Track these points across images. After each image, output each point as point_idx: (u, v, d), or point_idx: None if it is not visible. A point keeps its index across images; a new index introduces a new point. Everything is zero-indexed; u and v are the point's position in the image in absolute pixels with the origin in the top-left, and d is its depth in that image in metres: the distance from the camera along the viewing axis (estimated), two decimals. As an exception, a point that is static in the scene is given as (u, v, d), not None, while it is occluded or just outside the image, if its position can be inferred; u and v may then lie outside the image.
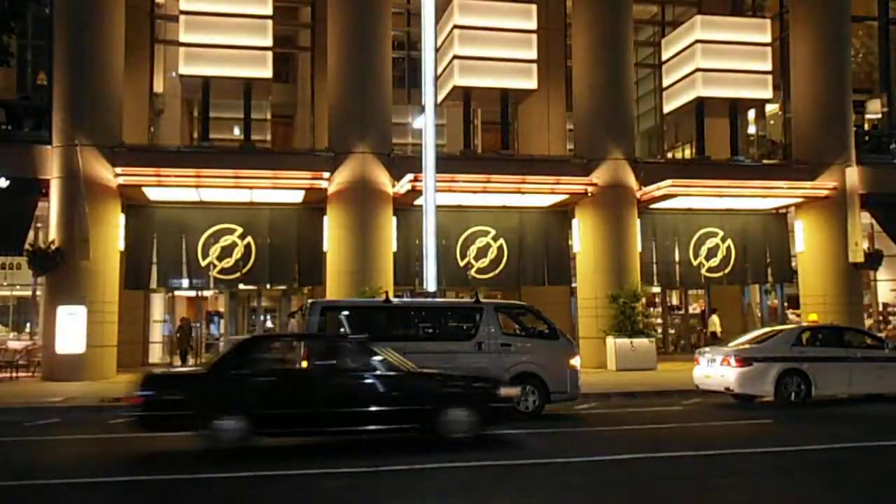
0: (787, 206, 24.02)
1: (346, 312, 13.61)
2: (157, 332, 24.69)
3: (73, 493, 8.04)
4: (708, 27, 23.21)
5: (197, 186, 19.78)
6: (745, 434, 11.79)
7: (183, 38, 20.55)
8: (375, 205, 20.79)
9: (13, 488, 8.14)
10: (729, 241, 23.69)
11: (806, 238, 23.62)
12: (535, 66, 22.05)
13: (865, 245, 23.29)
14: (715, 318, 24.63)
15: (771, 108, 27.20)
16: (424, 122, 17.41)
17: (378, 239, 20.68)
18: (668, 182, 21.23)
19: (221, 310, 27.01)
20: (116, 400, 15.47)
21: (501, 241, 22.39)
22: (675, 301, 27.91)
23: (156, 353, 24.15)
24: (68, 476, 8.68)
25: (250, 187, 20.04)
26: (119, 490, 8.13)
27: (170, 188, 19.89)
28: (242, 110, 21.92)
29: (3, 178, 19.15)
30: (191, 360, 24.20)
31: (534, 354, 13.38)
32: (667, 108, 24.86)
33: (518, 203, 22.06)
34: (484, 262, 22.24)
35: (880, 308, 26.14)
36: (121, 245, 20.50)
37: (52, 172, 19.86)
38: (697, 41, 23.03)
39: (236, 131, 24.84)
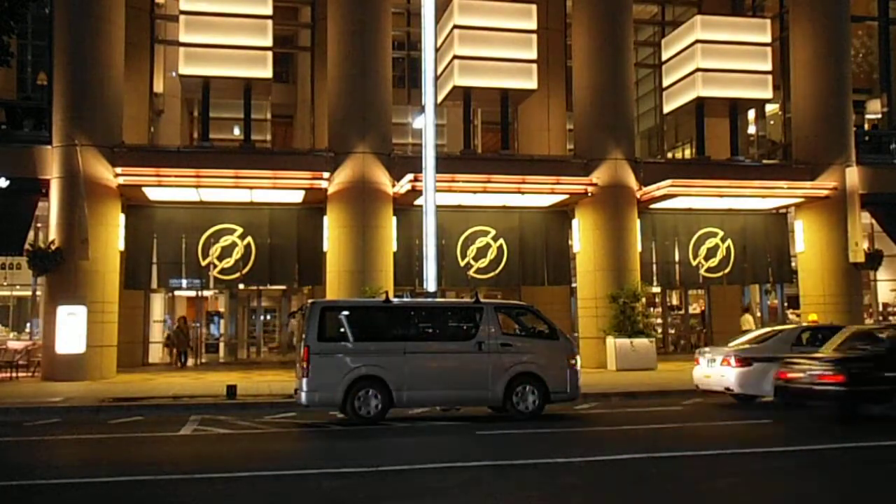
0: (787, 206, 24.02)
1: (346, 312, 13.60)
2: (157, 332, 24.72)
3: (73, 493, 8.04)
4: (708, 27, 23.21)
5: (197, 186, 19.77)
6: (746, 434, 11.79)
7: (183, 38, 20.53)
8: (375, 205, 20.79)
9: (13, 488, 8.14)
10: (729, 241, 23.69)
11: (806, 238, 23.62)
12: (535, 66, 22.05)
13: (865, 245, 23.29)
14: (749, 317, 24.51)
15: (771, 108, 27.20)
16: (424, 122, 17.40)
17: (378, 239, 20.69)
18: (668, 182, 21.22)
19: (221, 310, 27.06)
20: (116, 400, 15.51)
21: (501, 241, 22.39)
22: (675, 301, 27.94)
23: (156, 353, 24.18)
24: (68, 476, 8.68)
25: (250, 187, 20.04)
26: (120, 490, 8.13)
27: (170, 188, 19.88)
28: (242, 110, 21.92)
29: (3, 178, 19.14)
30: (190, 361, 24.22)
31: (534, 354, 13.38)
32: (667, 108, 24.85)
33: (518, 203, 22.06)
34: (484, 262, 22.24)
35: (880, 308, 26.14)
36: (121, 245, 20.50)
37: (52, 172, 19.87)
38: (697, 41, 23.03)
39: (236, 131, 24.87)
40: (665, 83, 24.86)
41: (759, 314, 26.69)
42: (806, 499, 7.72)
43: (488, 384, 13.05)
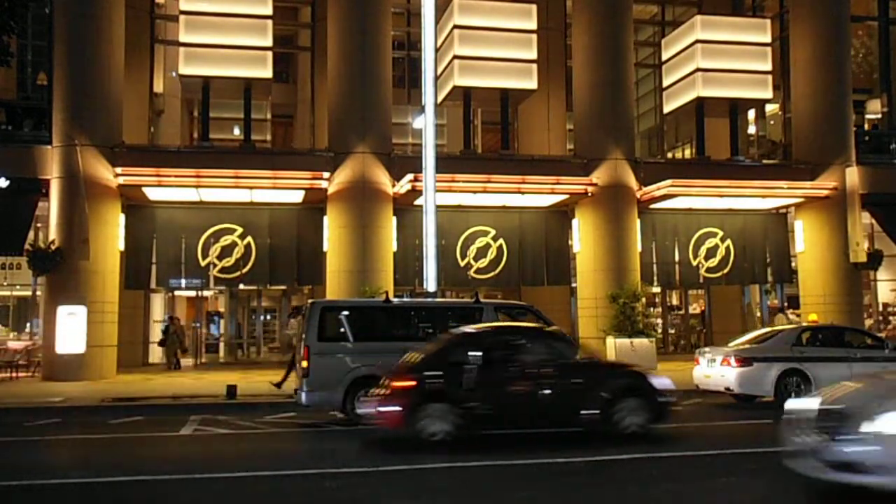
0: (787, 206, 24.02)
1: (346, 312, 13.61)
2: (157, 332, 24.69)
3: (73, 493, 8.04)
4: (708, 27, 23.20)
5: (197, 186, 19.77)
6: (745, 434, 11.78)
7: (183, 38, 20.53)
8: (375, 205, 20.79)
9: (14, 488, 8.15)
10: (728, 241, 23.67)
11: (806, 238, 23.61)
12: (535, 66, 22.03)
13: (866, 245, 23.28)
14: (782, 317, 24.38)
15: (771, 108, 27.19)
16: (424, 122, 17.40)
17: (378, 239, 20.68)
18: (668, 182, 21.22)
19: (221, 310, 27.04)
20: (116, 400, 15.51)
21: (501, 241, 22.38)
22: (675, 301, 27.94)
23: (156, 353, 24.15)
24: (68, 476, 8.68)
25: (250, 187, 20.04)
26: (120, 490, 8.14)
27: (170, 188, 19.88)
28: (242, 110, 21.92)
29: (3, 178, 19.15)
30: (188, 362, 24.18)
31: (534, 354, 13.35)
32: (667, 108, 24.84)
33: (518, 203, 22.05)
34: (484, 262, 22.22)
35: (880, 308, 26.13)
36: (121, 245, 20.50)
37: (52, 172, 19.86)
38: (697, 41, 23.01)
39: (236, 131, 24.86)
40: (665, 83, 24.85)
41: (759, 314, 26.68)
42: (804, 498, 7.72)
43: (488, 384, 13.03)
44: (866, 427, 6.70)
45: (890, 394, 7.23)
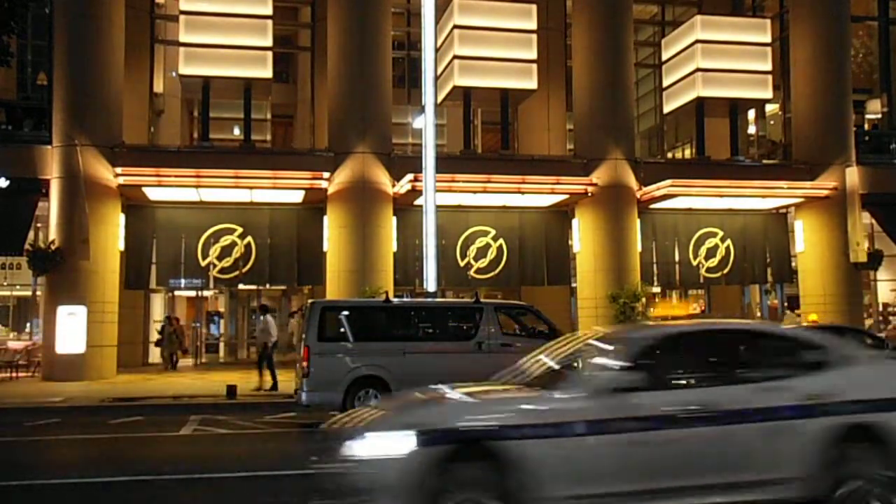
0: (787, 206, 24.01)
1: (346, 312, 13.61)
2: (157, 333, 24.70)
3: (73, 493, 8.04)
4: (708, 27, 23.19)
5: (197, 186, 19.77)
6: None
7: (183, 38, 20.52)
8: (375, 205, 20.78)
9: (14, 488, 8.15)
10: (729, 241, 23.66)
11: (806, 238, 23.61)
12: (535, 66, 22.02)
13: (865, 245, 23.27)
14: (792, 315, 24.34)
15: (771, 108, 27.18)
16: (424, 122, 17.41)
17: (378, 239, 20.68)
18: (668, 182, 21.22)
19: (221, 310, 27.05)
20: (116, 400, 15.51)
21: (501, 241, 22.37)
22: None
23: (156, 353, 24.17)
24: (68, 476, 8.68)
25: (250, 187, 20.03)
26: (120, 490, 8.13)
27: (170, 188, 19.87)
28: (242, 110, 21.91)
29: (3, 178, 19.15)
30: (188, 362, 24.18)
31: (534, 354, 13.36)
32: (667, 108, 24.83)
33: (518, 203, 22.05)
34: (484, 262, 22.22)
35: (880, 308, 26.13)
36: (121, 245, 20.49)
37: (52, 172, 19.86)
38: (697, 41, 23.01)
39: (236, 131, 24.86)
40: (665, 83, 24.84)
41: (759, 314, 26.69)
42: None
43: (488, 384, 13.03)
44: (346, 450, 5.90)
45: (391, 409, 6.45)
